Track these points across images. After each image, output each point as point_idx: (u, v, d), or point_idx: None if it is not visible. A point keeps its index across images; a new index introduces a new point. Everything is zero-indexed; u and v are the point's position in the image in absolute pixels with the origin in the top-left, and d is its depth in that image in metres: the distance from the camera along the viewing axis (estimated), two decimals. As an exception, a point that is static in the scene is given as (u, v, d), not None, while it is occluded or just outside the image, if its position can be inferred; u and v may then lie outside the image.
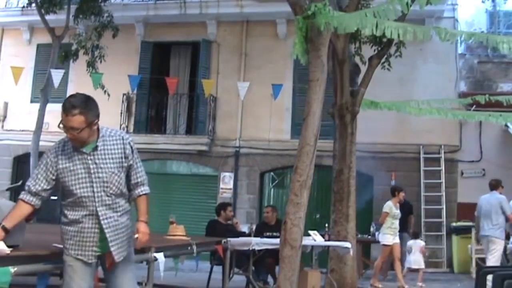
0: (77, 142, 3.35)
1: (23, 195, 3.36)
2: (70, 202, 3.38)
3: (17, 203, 3.40)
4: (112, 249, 3.38)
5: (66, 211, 3.39)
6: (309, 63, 6.39)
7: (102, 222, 3.35)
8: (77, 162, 3.36)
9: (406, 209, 11.13)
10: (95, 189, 3.35)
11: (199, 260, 6.83)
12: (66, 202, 3.40)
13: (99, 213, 3.35)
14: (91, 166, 3.36)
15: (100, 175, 3.37)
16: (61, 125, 3.32)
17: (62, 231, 3.43)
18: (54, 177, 3.37)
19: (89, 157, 3.37)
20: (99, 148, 3.40)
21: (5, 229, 3.26)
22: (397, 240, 9.26)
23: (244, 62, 13.42)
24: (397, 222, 9.19)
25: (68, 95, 15.22)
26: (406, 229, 11.05)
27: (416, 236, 9.83)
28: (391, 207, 9.11)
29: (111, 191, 3.39)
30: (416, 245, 9.56)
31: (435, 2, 6.58)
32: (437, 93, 11.65)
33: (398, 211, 9.19)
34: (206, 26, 13.60)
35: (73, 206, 3.37)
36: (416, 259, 9.45)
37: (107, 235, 3.36)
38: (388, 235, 9.11)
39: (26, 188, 3.37)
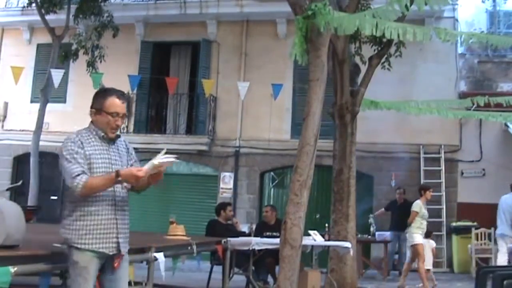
0: (116, 131, 3.44)
1: (84, 177, 3.18)
2: None
3: (85, 189, 3.17)
4: (120, 240, 3.35)
5: (84, 203, 3.26)
6: (309, 63, 6.40)
7: (117, 212, 3.35)
8: (100, 151, 3.38)
9: (407, 208, 11.12)
10: None
11: (200, 260, 6.84)
12: None
13: (117, 204, 3.36)
14: (112, 157, 3.41)
15: (118, 167, 3.38)
16: (115, 114, 3.37)
17: (76, 227, 3.26)
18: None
19: (110, 148, 3.43)
20: (115, 142, 3.49)
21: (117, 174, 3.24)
22: (423, 240, 8.98)
23: (244, 62, 13.42)
24: (425, 222, 8.89)
25: (68, 95, 15.18)
26: (405, 228, 11.04)
27: (429, 235, 9.40)
28: (421, 206, 8.80)
29: (124, 184, 3.41)
30: (429, 245, 9.19)
31: (431, 3, 6.51)
32: (437, 93, 11.65)
33: (426, 211, 8.91)
34: (206, 26, 13.60)
35: (97, 195, 3.30)
36: (430, 260, 9.10)
37: (118, 226, 3.35)
38: (417, 235, 8.77)
39: (80, 172, 3.19)
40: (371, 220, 10.88)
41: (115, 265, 3.37)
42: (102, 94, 3.46)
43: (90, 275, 3.25)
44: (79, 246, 3.25)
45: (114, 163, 3.39)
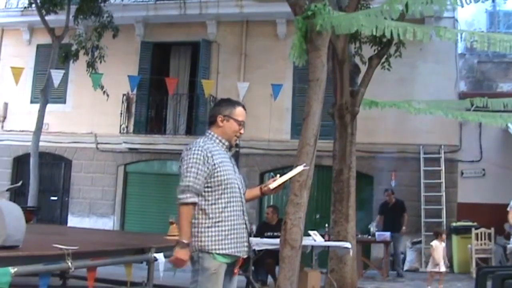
0: (237, 139, 3.55)
1: (191, 198, 3.22)
2: (228, 197, 3.35)
3: (183, 209, 3.22)
4: (247, 244, 3.43)
5: (218, 210, 3.29)
6: (309, 64, 6.40)
7: (244, 218, 3.42)
8: (226, 159, 3.43)
9: (399, 208, 11.11)
10: (240, 187, 3.44)
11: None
12: (221, 197, 3.32)
13: (244, 209, 3.43)
14: (233, 166, 3.48)
15: (238, 175, 3.49)
16: (243, 122, 3.51)
17: (212, 233, 3.26)
18: (208, 173, 3.31)
19: (228, 156, 3.51)
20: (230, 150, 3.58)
21: (187, 245, 3.20)
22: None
23: (244, 62, 13.42)
24: None
25: (67, 95, 15.20)
26: (399, 229, 10.97)
27: (440, 236, 9.09)
28: None
29: (243, 191, 3.48)
30: (442, 246, 8.87)
31: (427, 11, 6.44)
32: (437, 93, 11.65)
33: None
34: (206, 26, 13.60)
35: (229, 201, 3.34)
36: (440, 262, 8.82)
37: (247, 231, 3.44)
38: None
39: (191, 189, 3.22)
40: (372, 229, 10.83)
41: (235, 271, 3.43)
42: (230, 102, 3.53)
43: (219, 280, 3.27)
44: (214, 251, 3.24)
45: (235, 171, 3.47)
